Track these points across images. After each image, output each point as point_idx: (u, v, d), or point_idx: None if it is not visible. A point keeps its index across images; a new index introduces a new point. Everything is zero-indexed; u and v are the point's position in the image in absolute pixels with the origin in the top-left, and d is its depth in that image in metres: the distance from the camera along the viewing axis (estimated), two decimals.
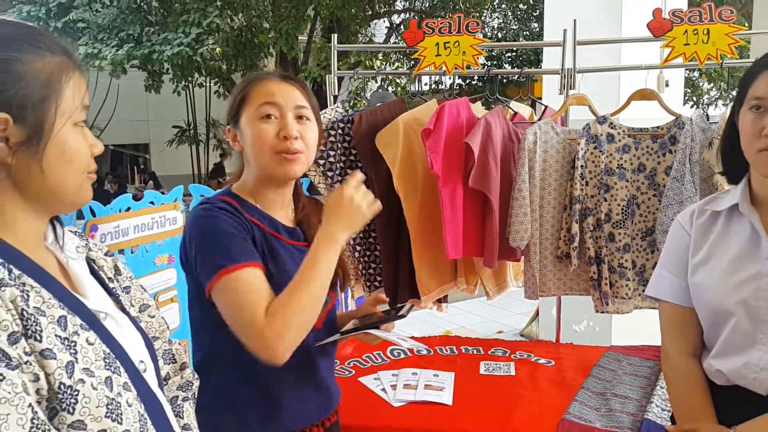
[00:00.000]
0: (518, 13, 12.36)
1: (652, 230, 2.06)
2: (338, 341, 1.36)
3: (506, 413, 1.69)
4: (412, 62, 10.40)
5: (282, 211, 1.32)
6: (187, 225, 1.23)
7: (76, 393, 0.71)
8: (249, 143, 1.24)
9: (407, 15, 11.90)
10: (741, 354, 1.18)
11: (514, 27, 12.39)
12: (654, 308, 2.04)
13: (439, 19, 2.19)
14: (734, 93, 1.27)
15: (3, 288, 0.69)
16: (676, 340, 1.31)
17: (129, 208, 1.74)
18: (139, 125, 14.30)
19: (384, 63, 9.70)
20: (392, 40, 11.59)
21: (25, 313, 0.70)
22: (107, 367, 0.76)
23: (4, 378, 0.65)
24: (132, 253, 1.76)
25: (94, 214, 1.62)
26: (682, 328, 1.30)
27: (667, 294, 1.32)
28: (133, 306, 0.95)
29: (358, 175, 1.25)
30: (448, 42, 2.15)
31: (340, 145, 2.19)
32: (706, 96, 10.28)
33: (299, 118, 1.25)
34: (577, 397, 1.76)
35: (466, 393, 1.81)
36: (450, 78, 2.37)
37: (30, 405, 0.66)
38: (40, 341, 0.70)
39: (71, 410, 0.70)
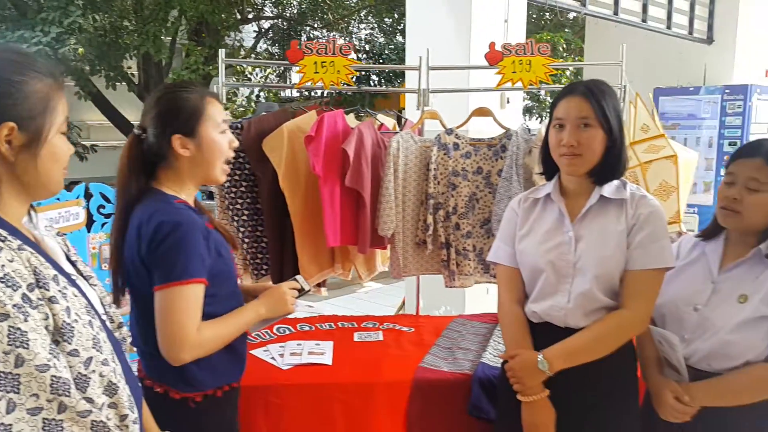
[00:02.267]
0: (384, 26, 12.97)
1: (488, 220, 2.57)
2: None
3: (375, 366, 2.09)
4: (282, 69, 10.64)
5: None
6: (168, 223, 1.38)
7: (72, 329, 0.96)
8: (208, 152, 1.47)
9: (276, 21, 12.12)
10: (549, 299, 1.62)
11: (381, 40, 12.98)
12: (490, 282, 2.56)
13: (316, 41, 2.56)
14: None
15: (21, 250, 0.95)
16: (507, 292, 1.73)
17: (38, 204, 1.91)
18: None
19: (255, 69, 9.86)
20: (260, 44, 11.74)
21: (36, 269, 0.95)
22: (87, 314, 1.03)
23: (29, 314, 0.90)
24: None
25: None
26: (512, 283, 1.72)
27: (501, 258, 1.75)
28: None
29: (294, 283, 1.65)
30: (325, 62, 2.53)
31: None
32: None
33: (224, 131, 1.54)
34: (431, 352, 2.21)
35: (343, 355, 2.18)
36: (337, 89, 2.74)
37: (46, 334, 0.93)
38: (48, 290, 0.95)
39: (70, 341, 0.96)
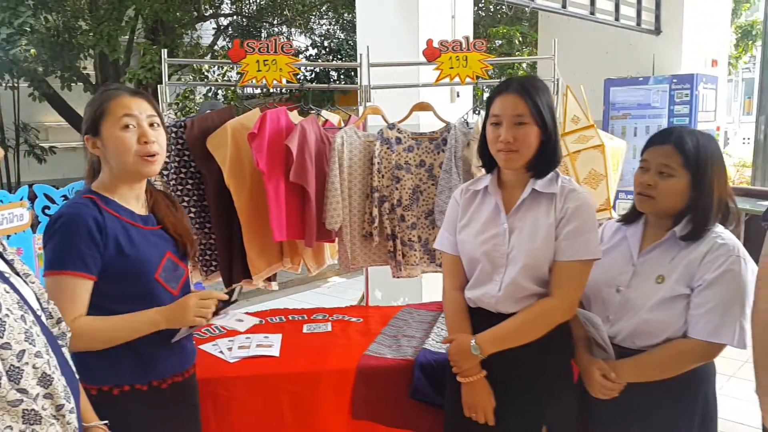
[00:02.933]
0: (343, 22, 12.97)
1: (431, 211, 2.65)
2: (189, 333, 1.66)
3: (322, 356, 2.15)
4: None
5: (137, 202, 1.62)
6: (56, 213, 1.50)
7: (4, 323, 1.01)
8: (113, 149, 1.51)
9: (234, 18, 12.01)
10: (482, 287, 1.72)
11: (341, 36, 12.97)
12: (436, 271, 2.64)
13: (258, 40, 2.60)
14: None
15: None
16: (449, 279, 1.82)
17: None
18: None
19: (212, 67, 9.78)
20: (219, 41, 11.63)
21: None
22: (20, 309, 1.07)
23: None
24: None
25: None
26: (454, 270, 1.81)
27: (445, 246, 1.83)
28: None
29: (213, 293, 1.59)
30: (267, 60, 2.57)
31: (174, 147, 2.50)
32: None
33: (151, 125, 1.56)
34: (376, 340, 2.28)
35: (291, 347, 2.24)
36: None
37: None
38: None
39: (2, 335, 1.00)
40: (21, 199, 2.12)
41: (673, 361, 1.63)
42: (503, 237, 1.68)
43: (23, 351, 1.02)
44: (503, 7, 10.68)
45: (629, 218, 1.80)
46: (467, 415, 1.69)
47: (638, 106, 6.15)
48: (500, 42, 9.30)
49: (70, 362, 1.26)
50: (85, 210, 1.48)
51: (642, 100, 6.14)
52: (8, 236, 2.04)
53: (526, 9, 8.30)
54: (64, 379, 1.11)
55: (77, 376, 1.25)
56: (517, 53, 9.19)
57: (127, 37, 8.98)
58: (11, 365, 1.00)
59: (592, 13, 5.68)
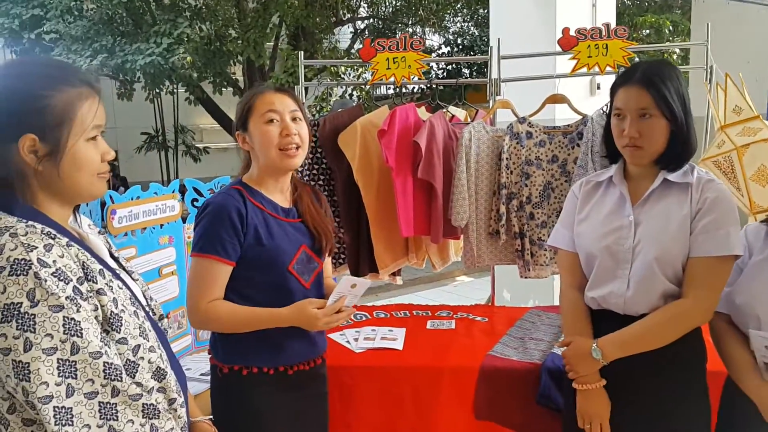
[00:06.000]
0: (478, 18, 12.83)
1: None
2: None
3: (444, 353, 2.13)
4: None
5: (281, 195, 1.69)
6: (206, 201, 1.61)
7: (120, 319, 1.03)
8: (258, 143, 1.59)
9: (371, 21, 12.35)
10: (607, 285, 1.57)
11: (475, 32, 12.85)
12: None
13: (388, 38, 2.63)
14: None
15: (69, 247, 1.01)
16: (567, 277, 1.70)
17: (138, 197, 2.14)
18: (107, 133, 14.34)
19: (348, 69, 10.13)
20: (357, 44, 12.02)
21: (84, 264, 1.01)
22: (132, 305, 1.10)
23: (81, 305, 0.96)
24: (141, 233, 2.16)
25: (113, 201, 2.03)
26: (571, 268, 1.69)
27: (560, 243, 1.72)
28: None
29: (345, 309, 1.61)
30: (396, 57, 2.60)
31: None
32: None
33: (294, 119, 1.62)
34: (501, 341, 2.21)
35: (414, 341, 2.25)
36: (410, 84, 2.82)
37: (97, 324, 1.00)
38: (96, 283, 1.01)
39: (119, 330, 1.02)
40: (173, 192, 2.31)
41: None
42: (628, 229, 1.54)
43: (138, 346, 1.04)
44: None
45: None
46: (580, 426, 1.56)
47: None
48: (647, 32, 8.69)
49: (176, 357, 1.30)
50: (230, 200, 1.57)
51: None
52: (161, 225, 2.24)
53: None
54: (174, 373, 1.13)
55: (184, 372, 1.28)
56: (637, 44, 8.53)
57: (272, 43, 9.56)
58: (127, 359, 1.02)
59: None
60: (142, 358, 1.05)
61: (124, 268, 1.20)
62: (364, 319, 2.55)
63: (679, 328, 1.49)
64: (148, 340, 1.08)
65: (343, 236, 2.65)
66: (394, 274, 2.74)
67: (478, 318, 2.51)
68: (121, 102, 9.74)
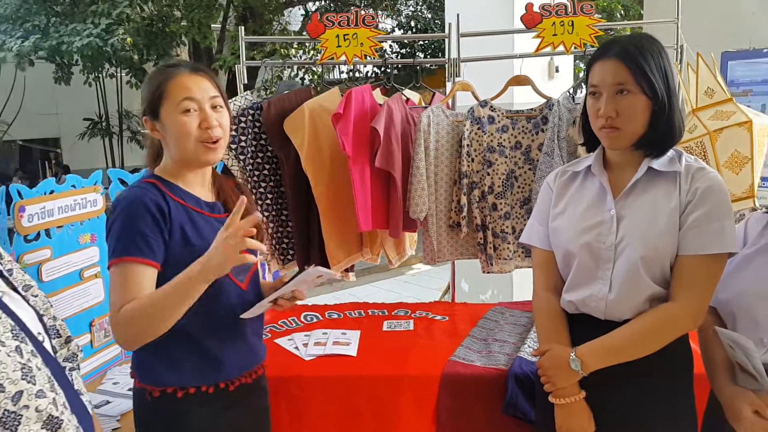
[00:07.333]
0: (430, 2, 12.65)
1: (528, 199, 2.37)
2: (261, 310, 1.49)
3: (402, 359, 1.95)
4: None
5: (203, 188, 1.47)
6: (114, 200, 1.38)
7: None
8: (173, 135, 1.37)
9: (322, 2, 11.98)
10: (586, 287, 1.41)
11: (428, 15, 12.67)
12: (531, 267, 2.36)
13: (338, 13, 2.40)
14: None
15: None
16: (541, 278, 1.54)
17: (53, 191, 1.85)
18: (48, 119, 13.61)
19: (298, 51, 9.77)
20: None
21: None
22: (15, 338, 0.89)
23: None
24: (57, 232, 1.88)
25: (21, 197, 1.73)
26: (546, 268, 1.52)
27: (534, 240, 1.55)
28: (17, 286, 1.04)
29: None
30: (347, 34, 2.37)
31: (250, 131, 2.36)
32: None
33: (214, 107, 1.40)
34: (464, 343, 2.04)
35: (369, 346, 2.06)
36: (365, 67, 2.60)
37: None
38: None
39: None
40: (95, 184, 2.04)
41: None
42: (610, 225, 1.38)
43: (20, 392, 0.86)
44: None
45: None
46: None
47: (762, 82, 5.46)
48: (599, 16, 8.67)
49: (83, 393, 1.08)
50: (146, 194, 1.34)
51: (767, 75, 5.46)
52: (81, 222, 1.96)
53: None
54: (75, 417, 0.96)
55: (90, 410, 1.08)
56: (605, 21, 8.55)
57: (219, 25, 9.13)
58: (5, 410, 0.84)
59: None
60: (26, 407, 0.85)
61: (14, 288, 0.99)
62: (315, 320, 2.35)
63: (666, 335, 1.34)
64: (34, 384, 0.87)
65: (266, 228, 2.39)
66: (347, 270, 2.54)
67: (438, 317, 2.33)
68: (61, 86, 9.17)
